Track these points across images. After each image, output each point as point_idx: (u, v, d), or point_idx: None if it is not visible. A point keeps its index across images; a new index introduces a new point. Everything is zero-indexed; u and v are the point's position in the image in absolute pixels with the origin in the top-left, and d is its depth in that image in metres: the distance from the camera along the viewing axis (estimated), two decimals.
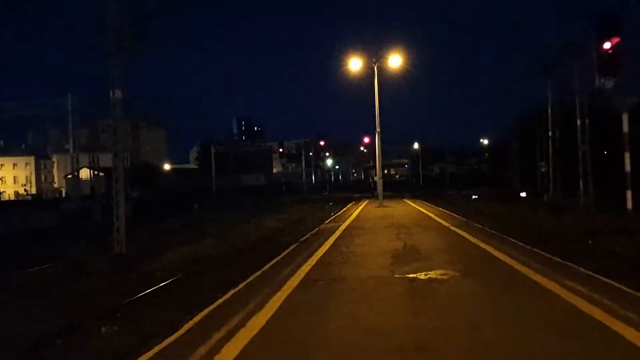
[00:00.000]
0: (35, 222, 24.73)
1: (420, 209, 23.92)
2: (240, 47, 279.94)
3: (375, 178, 36.37)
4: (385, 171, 75.34)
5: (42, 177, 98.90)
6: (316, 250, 10.64)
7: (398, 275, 7.44)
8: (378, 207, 25.44)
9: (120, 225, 13.14)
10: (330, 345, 4.46)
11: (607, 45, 12.01)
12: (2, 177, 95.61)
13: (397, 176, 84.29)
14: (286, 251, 10.79)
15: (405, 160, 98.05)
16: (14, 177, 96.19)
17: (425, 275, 7.37)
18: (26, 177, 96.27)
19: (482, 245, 10.46)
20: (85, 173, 48.96)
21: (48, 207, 39.51)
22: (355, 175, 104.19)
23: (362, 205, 28.52)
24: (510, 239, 11.22)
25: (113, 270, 10.97)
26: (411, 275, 7.35)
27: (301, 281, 7.33)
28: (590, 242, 11.52)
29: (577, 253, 9.58)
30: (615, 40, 11.98)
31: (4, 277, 10.56)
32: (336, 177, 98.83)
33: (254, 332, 4.87)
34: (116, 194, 13.55)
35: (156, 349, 4.61)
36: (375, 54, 27.03)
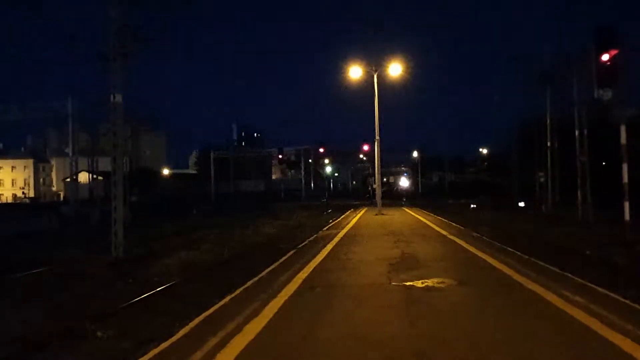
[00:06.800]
0: (33, 225, 24.65)
1: (419, 217, 23.93)
2: (241, 54, 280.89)
3: (374, 186, 36.42)
4: (384, 179, 75.44)
5: (41, 181, 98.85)
6: (314, 257, 10.64)
7: (395, 283, 7.44)
8: (376, 214, 25.45)
9: (119, 229, 13.13)
10: (326, 352, 4.45)
11: (605, 57, 12.09)
12: (0, 180, 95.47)
13: (396, 188, 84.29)
14: (284, 257, 10.78)
15: (405, 169, 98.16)
16: (12, 180, 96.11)
17: (423, 283, 7.37)
18: (25, 180, 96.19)
19: (480, 254, 10.46)
20: (84, 177, 49.00)
21: (46, 210, 39.42)
22: (354, 182, 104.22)
23: (361, 213, 28.54)
24: (508, 248, 11.22)
25: (110, 274, 10.94)
26: (408, 283, 7.35)
27: (298, 288, 7.33)
28: (588, 252, 11.53)
29: (575, 263, 9.57)
30: (614, 52, 12.06)
31: None
32: (335, 184, 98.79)
33: (250, 338, 4.86)
34: (114, 198, 13.54)
35: (151, 353, 4.60)
36: (375, 63, 27.20)
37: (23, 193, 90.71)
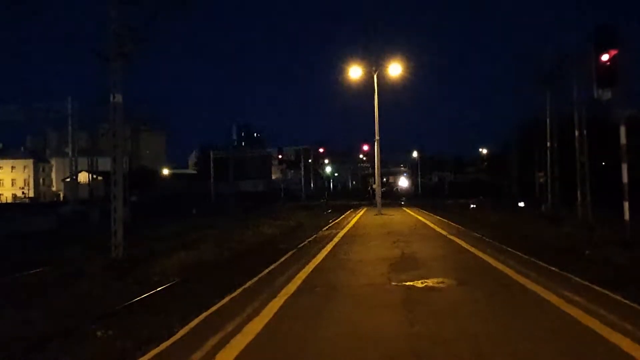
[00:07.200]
0: (33, 225, 24.62)
1: (419, 217, 23.93)
2: (241, 53, 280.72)
3: (374, 186, 36.46)
4: (384, 179, 75.46)
5: (41, 181, 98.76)
6: (314, 257, 10.64)
7: (395, 283, 7.44)
8: (376, 215, 25.46)
9: (118, 229, 13.11)
10: (325, 352, 4.45)
11: (605, 57, 12.08)
12: (0, 180, 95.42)
13: (395, 188, 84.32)
14: (284, 257, 10.79)
15: (404, 169, 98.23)
16: (12, 180, 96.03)
17: (422, 283, 7.37)
18: (24, 180, 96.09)
19: (479, 254, 10.46)
20: (83, 177, 48.96)
21: (46, 210, 39.43)
22: (354, 182, 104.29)
23: (361, 213, 28.56)
24: (507, 248, 11.23)
25: (109, 275, 10.92)
26: (408, 284, 7.36)
27: (298, 287, 7.33)
28: (587, 252, 11.52)
29: (574, 263, 9.57)
30: (613, 52, 12.05)
31: None
32: (335, 184, 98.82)
33: (250, 338, 4.86)
34: (114, 198, 13.52)
35: (151, 353, 4.60)
36: (375, 63, 27.21)
37: (23, 193, 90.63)
